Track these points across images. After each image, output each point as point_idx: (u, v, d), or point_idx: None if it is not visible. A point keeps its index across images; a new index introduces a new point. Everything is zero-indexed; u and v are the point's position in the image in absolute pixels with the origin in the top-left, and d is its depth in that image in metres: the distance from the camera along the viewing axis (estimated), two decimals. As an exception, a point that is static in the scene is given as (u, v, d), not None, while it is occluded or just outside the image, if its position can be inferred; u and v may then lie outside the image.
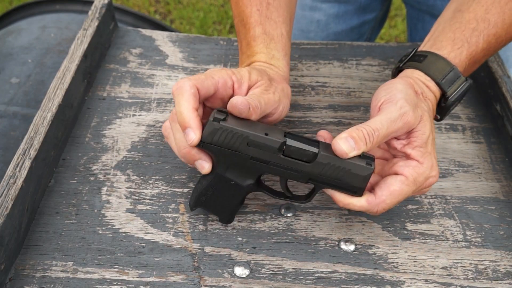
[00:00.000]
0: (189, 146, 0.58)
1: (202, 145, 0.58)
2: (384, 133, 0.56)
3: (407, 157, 0.59)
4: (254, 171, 0.59)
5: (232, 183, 0.60)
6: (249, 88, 0.61)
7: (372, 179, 0.60)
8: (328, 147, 0.57)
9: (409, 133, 0.59)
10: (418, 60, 0.64)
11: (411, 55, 0.66)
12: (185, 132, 0.57)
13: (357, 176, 0.56)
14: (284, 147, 0.57)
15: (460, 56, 0.63)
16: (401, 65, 0.66)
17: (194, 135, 0.56)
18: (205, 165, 0.59)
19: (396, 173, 0.58)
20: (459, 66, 0.63)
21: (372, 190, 0.59)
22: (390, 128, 0.56)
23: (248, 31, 0.69)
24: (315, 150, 0.57)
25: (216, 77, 0.60)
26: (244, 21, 0.70)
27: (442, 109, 0.65)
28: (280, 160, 0.57)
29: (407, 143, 0.59)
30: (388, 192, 0.57)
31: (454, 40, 0.63)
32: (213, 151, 0.58)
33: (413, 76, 0.63)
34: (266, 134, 0.57)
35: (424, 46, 0.66)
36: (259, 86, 0.61)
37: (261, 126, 0.58)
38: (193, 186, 0.69)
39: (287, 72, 0.69)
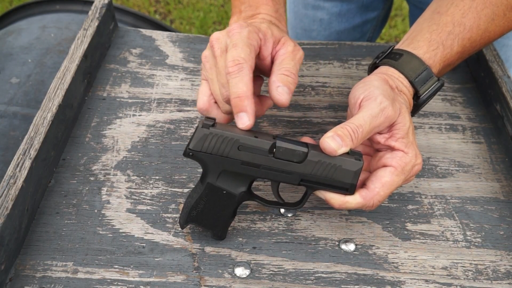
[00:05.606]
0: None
1: (191, 154, 0.57)
2: (367, 129, 0.58)
3: (392, 149, 0.60)
4: (245, 177, 0.59)
5: (224, 192, 0.59)
6: (274, 44, 0.63)
7: (361, 176, 0.61)
8: (316, 147, 0.58)
9: (390, 127, 0.60)
10: (394, 58, 0.66)
11: (387, 52, 0.68)
12: (238, 115, 0.57)
13: (348, 172, 0.57)
14: (274, 149, 0.57)
15: (435, 58, 0.65)
16: (377, 61, 0.68)
17: (249, 120, 0.57)
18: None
19: (385, 165, 0.60)
20: (433, 67, 0.65)
21: (363, 186, 0.60)
22: (373, 124, 0.58)
23: None
24: (304, 149, 0.57)
25: (256, 47, 0.60)
26: None
27: (413, 106, 0.67)
28: (271, 163, 0.57)
29: (390, 136, 0.60)
30: (381, 184, 0.59)
31: (430, 42, 0.65)
32: (203, 160, 0.58)
33: (388, 73, 0.65)
34: (256, 137, 0.57)
35: (402, 44, 0.67)
36: (285, 47, 0.62)
37: (250, 131, 0.58)
38: (193, 186, 0.69)
39: (287, 32, 0.70)
